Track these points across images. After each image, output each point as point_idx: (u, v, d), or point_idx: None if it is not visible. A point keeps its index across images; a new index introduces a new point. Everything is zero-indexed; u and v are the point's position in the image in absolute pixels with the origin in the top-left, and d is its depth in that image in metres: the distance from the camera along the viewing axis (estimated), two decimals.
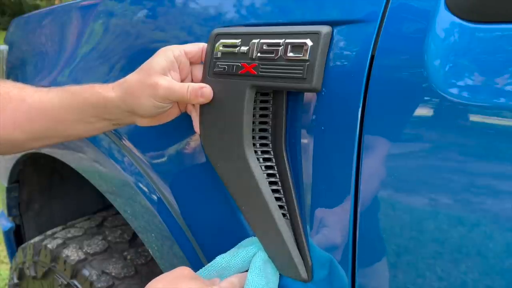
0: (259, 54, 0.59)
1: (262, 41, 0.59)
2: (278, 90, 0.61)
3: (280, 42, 0.58)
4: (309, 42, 0.56)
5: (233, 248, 0.67)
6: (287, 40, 0.57)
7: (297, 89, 0.57)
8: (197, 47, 0.67)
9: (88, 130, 0.71)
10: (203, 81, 0.66)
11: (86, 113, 0.68)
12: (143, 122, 0.70)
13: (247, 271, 0.64)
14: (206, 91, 0.63)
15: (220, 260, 0.65)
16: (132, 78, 0.65)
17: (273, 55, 0.58)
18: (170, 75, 0.64)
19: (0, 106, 0.68)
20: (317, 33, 0.56)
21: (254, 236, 0.67)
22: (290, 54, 0.57)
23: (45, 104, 0.69)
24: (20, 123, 0.69)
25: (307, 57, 0.56)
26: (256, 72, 0.59)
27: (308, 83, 0.56)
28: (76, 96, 0.68)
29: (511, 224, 0.46)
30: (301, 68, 0.56)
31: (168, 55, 0.65)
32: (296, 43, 0.57)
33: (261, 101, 0.63)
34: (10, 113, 0.68)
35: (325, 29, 0.56)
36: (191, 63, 0.67)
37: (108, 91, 0.66)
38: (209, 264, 0.66)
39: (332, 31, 0.56)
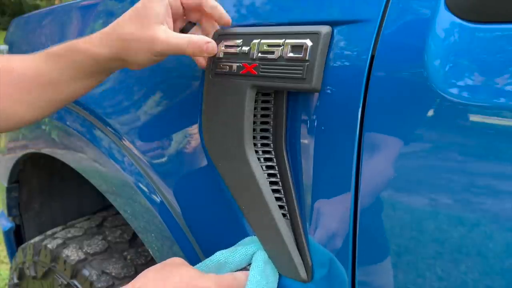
0: (259, 54, 0.59)
1: (262, 41, 0.59)
2: (278, 90, 0.61)
3: (280, 42, 0.58)
4: (308, 43, 0.56)
5: (233, 246, 0.67)
6: (287, 40, 0.57)
7: (297, 89, 0.57)
8: None
9: (85, 87, 0.69)
10: (205, 82, 0.65)
11: (79, 72, 0.66)
12: (136, 67, 0.67)
13: (244, 268, 0.64)
14: (212, 47, 0.62)
15: (219, 256, 0.65)
16: (126, 29, 0.61)
17: (273, 55, 0.58)
18: (166, 23, 0.61)
19: None
20: (317, 33, 0.56)
21: (254, 235, 0.67)
22: (290, 54, 0.57)
23: (34, 71, 0.66)
24: (17, 95, 0.66)
25: (306, 57, 0.56)
26: (256, 72, 0.59)
27: (307, 83, 0.56)
28: (64, 58, 0.65)
29: (511, 224, 0.46)
30: (301, 68, 0.56)
31: (165, 5, 0.61)
32: (296, 43, 0.57)
33: (263, 101, 0.63)
34: (2, 88, 0.65)
35: (325, 29, 0.56)
36: (184, 9, 0.65)
37: (97, 46, 0.63)
38: (207, 259, 0.66)
39: (332, 31, 0.57)
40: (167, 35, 0.60)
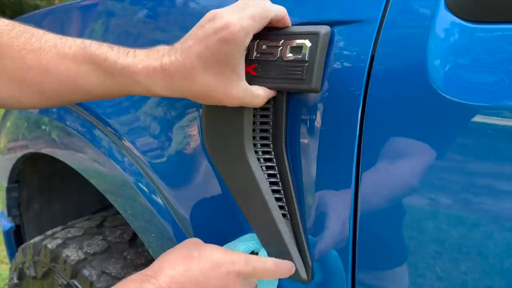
0: (258, 55, 0.59)
1: (261, 42, 0.59)
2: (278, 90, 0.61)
3: (279, 43, 0.58)
4: (307, 43, 0.55)
5: (233, 241, 0.67)
6: (286, 41, 0.57)
7: (297, 90, 0.57)
8: (264, 22, 0.56)
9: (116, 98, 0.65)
10: None
11: (127, 93, 0.60)
12: None
13: None
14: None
15: None
16: (204, 79, 0.54)
17: (272, 57, 0.58)
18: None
19: (17, 77, 0.57)
20: (316, 34, 0.55)
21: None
22: (289, 55, 0.57)
23: (76, 80, 0.58)
24: (48, 95, 0.59)
25: (306, 58, 0.55)
26: (256, 73, 0.59)
27: (307, 84, 0.55)
28: (116, 82, 0.57)
29: (511, 224, 0.46)
30: (300, 69, 0.56)
31: (241, 51, 0.54)
32: (295, 44, 0.56)
33: None
34: (33, 84, 0.58)
35: (324, 30, 0.55)
36: None
37: (159, 86, 0.55)
38: None
39: (332, 31, 0.56)
40: (243, 95, 0.56)
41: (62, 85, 0.58)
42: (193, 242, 0.62)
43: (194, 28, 0.56)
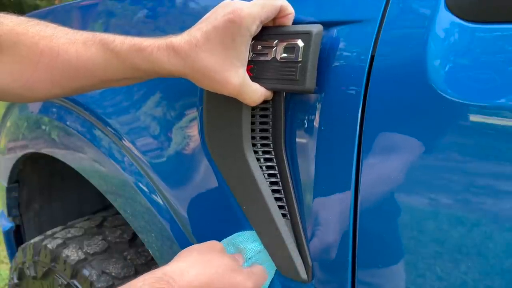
0: (254, 56, 0.59)
1: (256, 42, 0.59)
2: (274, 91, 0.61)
3: (272, 43, 0.58)
4: (300, 43, 0.55)
5: (240, 238, 0.67)
6: (279, 41, 0.57)
7: (291, 90, 0.57)
8: (273, 11, 0.57)
9: (134, 82, 0.67)
10: None
11: (136, 75, 0.62)
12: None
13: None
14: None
15: (240, 239, 0.67)
16: (207, 59, 0.56)
17: (266, 57, 0.58)
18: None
19: (30, 63, 0.60)
20: (308, 33, 0.55)
21: None
22: (283, 55, 0.57)
23: (85, 62, 0.60)
24: (58, 81, 0.61)
25: (299, 58, 0.55)
26: (252, 74, 0.59)
27: (301, 85, 0.55)
28: (123, 60, 0.59)
29: (511, 224, 0.46)
30: (294, 69, 0.56)
31: (246, 36, 0.56)
32: (288, 44, 0.56)
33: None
34: (44, 70, 0.60)
35: (316, 29, 0.55)
36: None
37: (166, 63, 0.57)
38: (232, 238, 0.68)
39: (332, 31, 0.56)
40: (241, 85, 0.57)
41: (71, 68, 0.60)
42: (216, 249, 0.64)
43: (207, 13, 0.58)
